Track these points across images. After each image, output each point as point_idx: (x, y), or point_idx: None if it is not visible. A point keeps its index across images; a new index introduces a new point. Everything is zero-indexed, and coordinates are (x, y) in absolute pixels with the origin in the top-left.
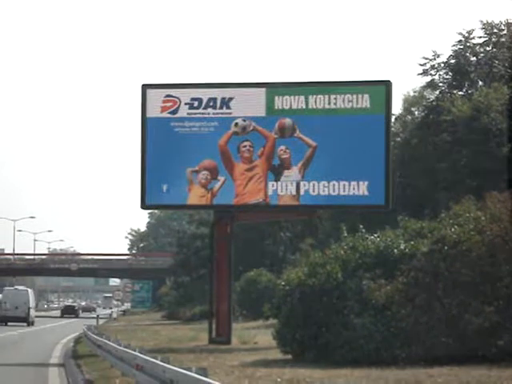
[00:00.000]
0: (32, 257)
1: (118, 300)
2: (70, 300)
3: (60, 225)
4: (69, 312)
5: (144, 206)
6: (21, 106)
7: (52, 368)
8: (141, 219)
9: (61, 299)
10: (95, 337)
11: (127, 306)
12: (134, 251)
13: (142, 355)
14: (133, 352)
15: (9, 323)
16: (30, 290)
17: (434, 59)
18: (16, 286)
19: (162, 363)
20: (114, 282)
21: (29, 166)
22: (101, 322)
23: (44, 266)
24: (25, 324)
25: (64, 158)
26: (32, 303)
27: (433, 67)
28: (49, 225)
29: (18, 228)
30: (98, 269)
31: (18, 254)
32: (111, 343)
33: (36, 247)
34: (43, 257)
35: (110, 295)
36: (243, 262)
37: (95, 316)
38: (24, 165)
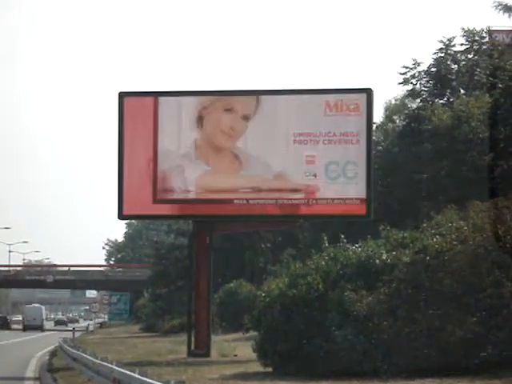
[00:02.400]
0: (7, 268)
1: (95, 312)
2: (60, 313)
3: (36, 235)
4: (60, 323)
5: (121, 216)
6: None
7: (28, 382)
8: (118, 230)
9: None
10: (71, 350)
11: (104, 318)
12: (111, 262)
13: (119, 368)
14: (110, 365)
15: (27, 330)
16: (43, 307)
17: (415, 68)
18: (33, 304)
19: (139, 376)
20: (91, 293)
21: (3, 175)
22: (77, 334)
23: (19, 277)
24: (39, 330)
25: (40, 168)
26: (44, 316)
27: (413, 76)
28: (24, 235)
29: None
30: (75, 280)
31: None
32: (88, 356)
33: (11, 258)
34: (18, 268)
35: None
36: (223, 274)
37: (79, 326)
38: None
